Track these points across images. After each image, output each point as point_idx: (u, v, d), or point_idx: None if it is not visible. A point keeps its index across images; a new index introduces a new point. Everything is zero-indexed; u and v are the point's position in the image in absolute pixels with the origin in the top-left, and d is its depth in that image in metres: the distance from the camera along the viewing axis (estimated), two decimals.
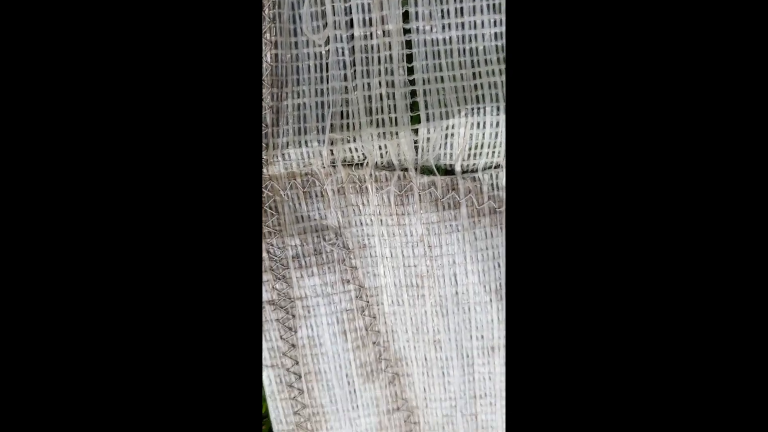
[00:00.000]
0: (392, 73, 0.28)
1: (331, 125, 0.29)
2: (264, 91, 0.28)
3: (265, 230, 0.31)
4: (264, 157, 0.29)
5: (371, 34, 0.29)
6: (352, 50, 0.29)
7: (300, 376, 0.35)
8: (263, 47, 0.29)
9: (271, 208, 0.30)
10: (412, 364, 0.35)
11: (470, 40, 0.28)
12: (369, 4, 0.28)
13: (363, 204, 0.30)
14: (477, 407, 0.35)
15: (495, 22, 0.28)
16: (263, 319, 0.33)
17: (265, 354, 0.33)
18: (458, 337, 0.33)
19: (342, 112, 0.29)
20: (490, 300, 0.31)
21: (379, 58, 0.29)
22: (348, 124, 0.29)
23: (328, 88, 0.29)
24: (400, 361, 0.34)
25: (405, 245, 0.31)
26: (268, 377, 0.34)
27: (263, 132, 0.29)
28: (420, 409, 0.36)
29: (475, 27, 0.28)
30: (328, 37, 0.29)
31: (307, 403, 0.35)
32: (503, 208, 0.30)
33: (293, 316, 0.33)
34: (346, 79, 0.29)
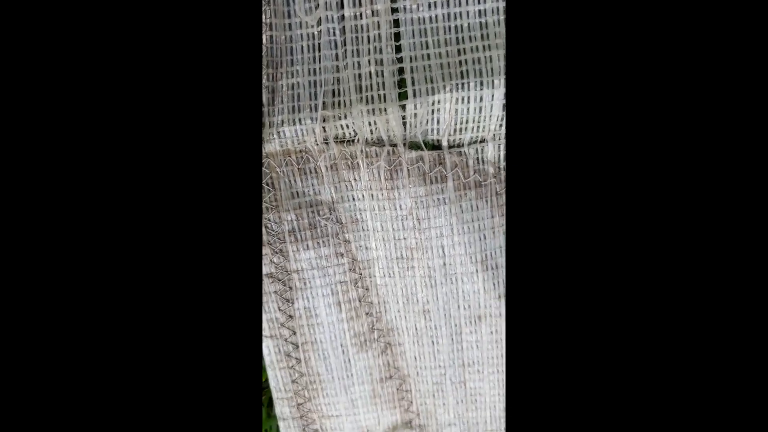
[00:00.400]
0: (381, 52, 0.29)
1: (324, 103, 0.29)
2: (261, 72, 0.29)
3: (265, 205, 0.31)
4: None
5: (361, 14, 0.29)
6: (343, 30, 0.29)
7: (297, 346, 0.35)
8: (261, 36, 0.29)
9: (267, 185, 0.31)
10: (404, 334, 0.35)
11: (455, 18, 0.29)
12: None
13: (355, 179, 0.31)
14: (465, 375, 0.36)
15: (479, 0, 0.29)
16: (264, 291, 0.33)
17: (264, 325, 0.34)
18: (446, 307, 0.34)
19: (333, 90, 0.29)
20: (476, 270, 0.32)
21: (368, 37, 0.29)
22: (339, 101, 0.29)
23: (320, 68, 0.29)
24: (391, 330, 0.35)
25: (395, 219, 0.32)
26: (268, 347, 0.35)
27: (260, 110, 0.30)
28: (411, 377, 0.37)
29: (459, 5, 0.29)
30: (320, 18, 0.29)
31: (305, 371, 0.36)
32: (488, 181, 0.31)
33: (290, 288, 0.33)
34: (337, 58, 0.29)
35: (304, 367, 0.35)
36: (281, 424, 0.38)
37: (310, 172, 0.30)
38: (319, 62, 0.29)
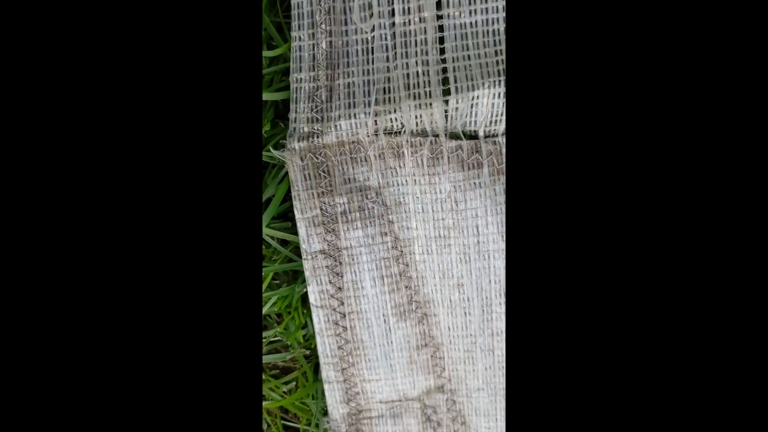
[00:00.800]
0: (427, 54, 0.32)
1: (376, 99, 0.32)
2: (320, 72, 0.32)
3: (319, 190, 0.34)
4: (319, 128, 0.33)
5: (409, 21, 0.32)
6: (394, 35, 0.32)
7: (344, 315, 0.38)
8: (320, 36, 0.32)
9: (324, 172, 0.34)
10: (439, 306, 0.38)
11: (492, 23, 0.32)
12: None
13: (400, 167, 0.34)
14: (494, 343, 0.38)
15: None
16: (316, 265, 0.37)
17: (315, 296, 0.37)
18: (479, 281, 0.37)
19: (385, 88, 0.32)
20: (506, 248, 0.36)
21: (416, 41, 0.32)
22: (390, 98, 0.32)
23: (373, 69, 0.32)
24: (428, 303, 0.38)
25: (434, 201, 0.35)
26: (318, 316, 0.38)
27: (318, 107, 0.33)
28: (444, 345, 0.39)
29: (496, 11, 0.32)
30: (374, 25, 0.32)
31: (350, 338, 0.39)
32: None
33: (340, 263, 0.36)
34: (388, 60, 0.32)
35: (350, 334, 0.39)
36: (326, 386, 0.41)
37: (361, 160, 0.34)
38: (372, 64, 0.33)
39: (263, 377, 0.45)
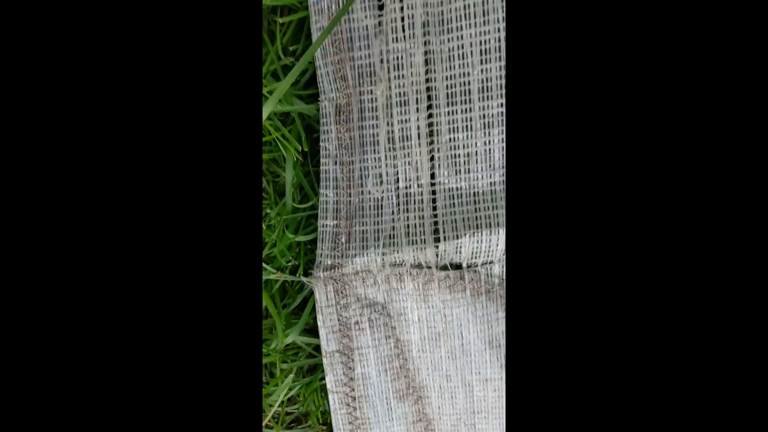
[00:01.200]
0: (423, 210, 0.39)
1: (383, 244, 0.40)
2: (341, 221, 0.40)
3: (338, 306, 0.42)
4: (339, 262, 0.41)
5: (410, 185, 0.39)
6: (398, 196, 0.39)
7: (354, 398, 0.44)
8: (342, 194, 0.40)
9: (341, 293, 0.41)
10: (431, 390, 0.44)
11: (474, 187, 0.39)
12: (408, 169, 0.39)
13: (401, 288, 0.41)
14: (475, 419, 0.44)
15: (490, 175, 0.39)
16: (333, 362, 0.43)
17: (332, 384, 0.43)
18: (462, 373, 0.42)
19: (390, 235, 0.40)
20: (485, 348, 0.41)
21: (414, 200, 0.39)
22: (394, 242, 0.39)
23: (381, 221, 0.40)
24: (422, 388, 0.44)
25: (428, 314, 0.41)
26: (333, 400, 0.44)
27: (339, 247, 0.41)
28: (435, 420, 0.45)
29: (477, 179, 0.39)
30: (383, 189, 0.40)
31: (359, 416, 0.45)
32: (494, 289, 0.42)
33: (352, 360, 0.43)
34: (393, 214, 0.40)
35: (359, 413, 0.44)
36: None
37: (371, 284, 0.41)
38: (381, 217, 0.40)
39: None
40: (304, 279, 0.42)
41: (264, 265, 0.43)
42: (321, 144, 0.42)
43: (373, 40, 0.38)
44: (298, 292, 0.46)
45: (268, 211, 0.43)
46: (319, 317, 0.43)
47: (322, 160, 0.42)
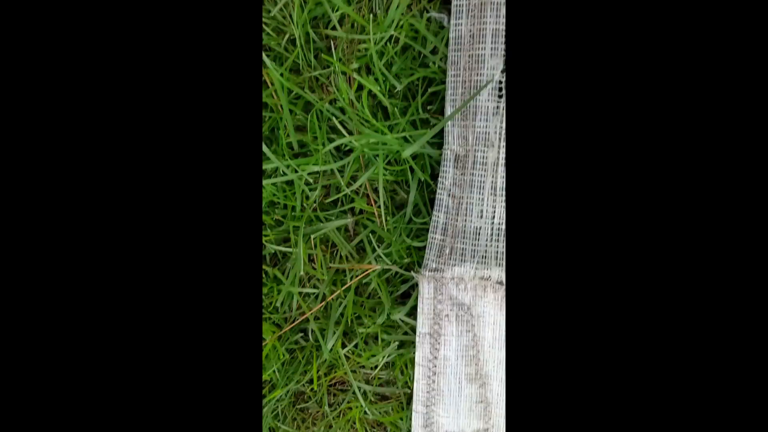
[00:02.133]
0: None
1: (477, 261, 0.53)
2: (447, 238, 0.55)
3: (435, 300, 0.55)
4: (441, 267, 0.54)
5: (502, 222, 0.52)
6: (492, 229, 0.52)
7: (435, 373, 0.53)
8: (450, 222, 0.53)
9: (439, 291, 0.54)
10: (493, 380, 0.52)
11: None
12: (503, 212, 0.53)
13: (485, 296, 0.51)
14: None
15: None
16: (423, 342, 0.52)
17: (419, 358, 0.53)
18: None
19: (483, 256, 0.52)
20: None
21: (503, 234, 0.53)
22: (485, 262, 0.52)
23: (477, 244, 0.52)
24: (487, 377, 0.53)
25: (501, 320, 0.51)
26: (418, 372, 0.53)
27: (443, 256, 0.54)
28: (493, 404, 0.53)
29: None
30: (483, 222, 0.54)
31: (435, 388, 0.54)
32: None
33: (439, 342, 0.53)
34: (487, 241, 0.53)
35: (435, 385, 0.53)
36: (414, 415, 0.53)
37: (463, 288, 0.55)
38: (478, 241, 0.52)
39: (373, 401, 0.62)
40: (414, 274, 0.52)
41: (384, 258, 0.57)
42: (439, 179, 0.55)
43: (492, 117, 0.51)
44: (402, 283, 0.57)
45: (388, 218, 0.57)
46: (420, 305, 0.52)
47: (438, 191, 0.55)
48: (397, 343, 0.55)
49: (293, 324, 0.57)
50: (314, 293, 0.58)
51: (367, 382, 0.59)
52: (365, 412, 0.57)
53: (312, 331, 0.59)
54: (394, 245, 0.54)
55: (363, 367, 0.59)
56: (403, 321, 0.54)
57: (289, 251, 0.54)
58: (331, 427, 0.60)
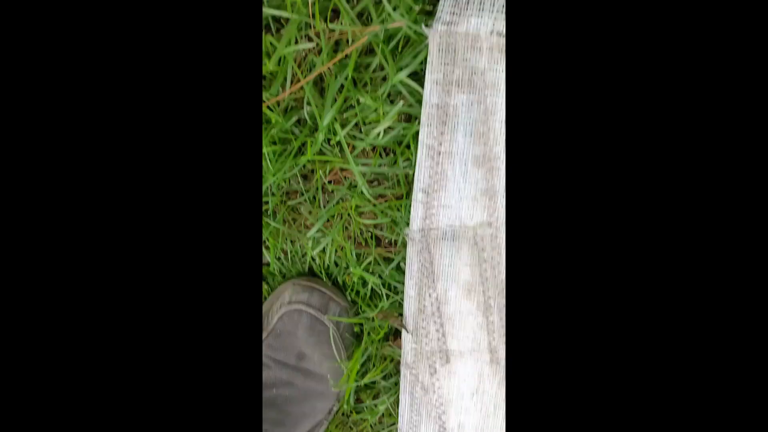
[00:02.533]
0: None
1: (497, 10, 0.48)
2: None
3: (445, 60, 0.48)
4: (456, 20, 0.47)
5: None
6: None
7: (440, 153, 0.50)
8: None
9: (451, 49, 0.47)
10: (502, 163, 0.50)
11: None
12: None
13: (500, 61, 0.48)
14: None
15: None
16: (431, 113, 0.48)
17: (424, 135, 0.49)
18: None
19: (503, 5, 0.47)
20: None
21: None
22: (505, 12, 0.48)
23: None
24: (496, 159, 0.50)
25: None
26: (421, 150, 0.50)
27: (459, 5, 0.48)
28: (499, 194, 0.50)
29: None
30: None
31: (439, 171, 0.51)
32: None
33: (446, 114, 0.49)
34: None
35: (440, 168, 0.50)
36: (413, 204, 0.51)
37: (477, 49, 0.49)
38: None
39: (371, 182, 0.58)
40: (424, 28, 0.47)
41: (393, 13, 0.49)
42: None
43: None
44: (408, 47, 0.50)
45: None
46: (428, 68, 0.48)
47: None
48: (399, 118, 0.51)
49: (287, 92, 0.51)
50: (310, 62, 0.51)
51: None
52: (360, 214, 0.55)
53: (307, 105, 0.53)
54: (403, 4, 0.48)
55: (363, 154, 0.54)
56: (408, 88, 0.49)
57: (284, 16, 0.48)
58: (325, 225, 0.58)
